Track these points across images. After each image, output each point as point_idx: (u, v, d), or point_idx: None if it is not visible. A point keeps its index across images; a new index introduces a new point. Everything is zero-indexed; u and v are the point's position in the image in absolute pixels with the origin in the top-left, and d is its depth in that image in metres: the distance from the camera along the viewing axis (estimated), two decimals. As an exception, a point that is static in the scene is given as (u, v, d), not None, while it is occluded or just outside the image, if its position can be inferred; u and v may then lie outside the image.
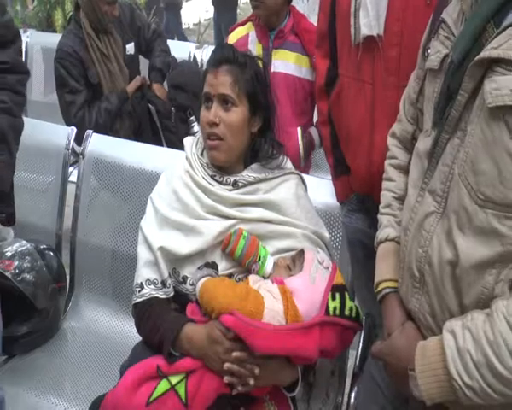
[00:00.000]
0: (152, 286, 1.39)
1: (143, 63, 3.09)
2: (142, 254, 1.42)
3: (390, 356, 1.08)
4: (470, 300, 0.94)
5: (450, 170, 0.96)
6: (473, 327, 0.91)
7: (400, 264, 1.11)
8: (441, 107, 0.99)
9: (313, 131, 2.21)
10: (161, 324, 1.34)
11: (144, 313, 1.39)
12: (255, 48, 2.22)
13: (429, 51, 1.06)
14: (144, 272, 1.40)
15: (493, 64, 0.86)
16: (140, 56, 3.06)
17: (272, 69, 2.17)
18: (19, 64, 1.43)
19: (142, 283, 1.40)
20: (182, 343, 1.29)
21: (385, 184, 1.25)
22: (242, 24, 2.33)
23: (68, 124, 2.66)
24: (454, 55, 0.95)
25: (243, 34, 2.26)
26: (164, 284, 1.38)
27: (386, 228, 1.21)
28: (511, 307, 0.87)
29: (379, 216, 1.25)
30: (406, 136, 1.20)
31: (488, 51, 0.86)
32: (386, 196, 1.24)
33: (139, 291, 1.40)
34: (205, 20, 8.24)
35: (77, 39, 2.68)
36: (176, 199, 1.41)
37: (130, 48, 2.93)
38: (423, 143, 1.07)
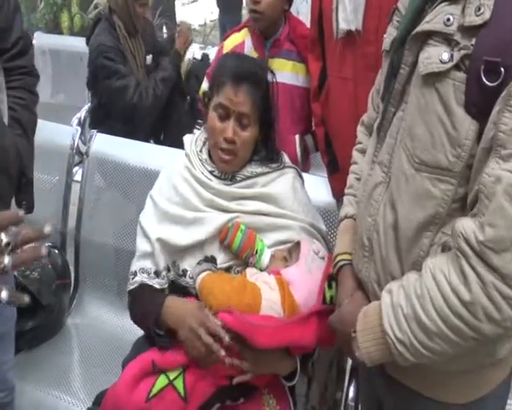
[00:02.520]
0: (145, 275, 1.42)
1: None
2: (140, 246, 1.45)
3: (338, 323, 1.12)
4: (409, 263, 0.98)
5: (396, 141, 1.01)
6: (406, 284, 0.95)
7: (354, 236, 1.16)
8: (388, 82, 1.06)
9: (308, 138, 2.23)
10: (149, 308, 1.37)
11: (135, 300, 1.43)
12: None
13: (384, 36, 1.12)
14: (139, 263, 1.44)
15: (427, 38, 0.93)
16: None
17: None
18: (34, 68, 1.56)
19: (135, 271, 1.44)
20: (164, 317, 1.32)
21: (351, 167, 1.30)
22: (238, 30, 2.30)
23: (125, 109, 2.65)
24: (398, 33, 1.03)
25: (239, 41, 2.24)
26: (157, 274, 1.41)
27: (346, 206, 1.26)
28: (437, 261, 0.92)
29: (344, 197, 1.30)
30: (371, 122, 1.24)
31: (421, 26, 0.94)
32: (349, 178, 1.29)
33: (132, 279, 1.44)
34: (210, 21, 8.26)
35: (112, 38, 2.72)
36: (175, 194, 1.44)
37: (149, 59, 2.97)
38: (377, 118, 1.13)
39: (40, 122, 1.64)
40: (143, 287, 1.42)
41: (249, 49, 2.21)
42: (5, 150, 1.30)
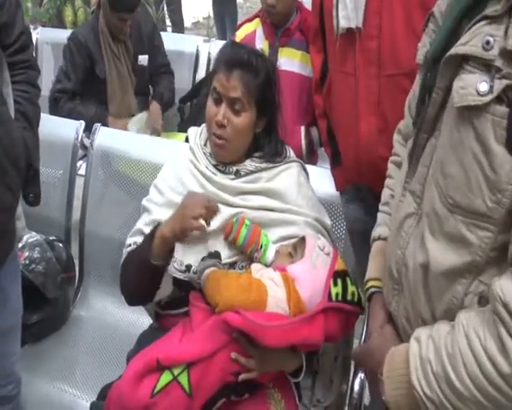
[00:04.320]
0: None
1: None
2: (139, 223, 1.46)
3: (366, 357, 1.06)
4: (441, 308, 0.90)
5: (428, 171, 0.92)
6: (436, 337, 0.86)
7: (384, 264, 1.08)
8: (420, 105, 0.96)
9: (313, 130, 2.24)
10: (141, 245, 1.38)
11: (127, 264, 1.42)
12: (262, 45, 2.24)
13: (419, 45, 1.03)
14: (135, 238, 1.44)
15: (463, 61, 0.81)
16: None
17: (278, 67, 2.18)
18: (35, 62, 1.62)
19: (129, 243, 1.44)
20: (160, 232, 1.32)
21: (386, 181, 1.22)
22: (250, 20, 2.35)
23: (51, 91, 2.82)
24: (430, 50, 0.92)
25: (250, 31, 2.28)
26: None
27: (380, 226, 1.18)
28: (471, 319, 0.82)
29: (378, 213, 1.21)
30: (407, 131, 1.16)
31: (456, 48, 0.81)
32: (384, 194, 1.20)
33: (125, 249, 1.44)
34: (214, 14, 8.22)
35: (92, 32, 2.77)
36: (180, 185, 1.44)
37: (144, 59, 2.96)
38: (409, 143, 1.03)
39: (44, 116, 1.65)
40: (135, 249, 1.41)
41: (260, 39, 2.24)
42: (14, 143, 1.32)
